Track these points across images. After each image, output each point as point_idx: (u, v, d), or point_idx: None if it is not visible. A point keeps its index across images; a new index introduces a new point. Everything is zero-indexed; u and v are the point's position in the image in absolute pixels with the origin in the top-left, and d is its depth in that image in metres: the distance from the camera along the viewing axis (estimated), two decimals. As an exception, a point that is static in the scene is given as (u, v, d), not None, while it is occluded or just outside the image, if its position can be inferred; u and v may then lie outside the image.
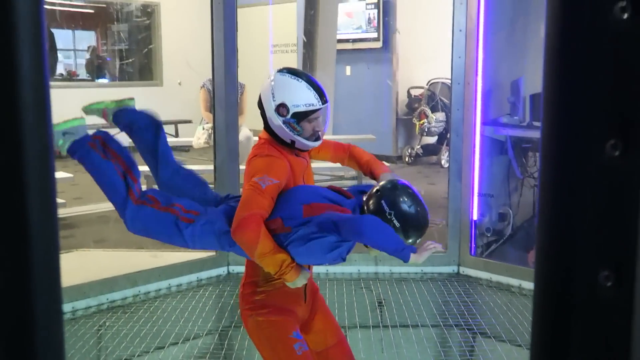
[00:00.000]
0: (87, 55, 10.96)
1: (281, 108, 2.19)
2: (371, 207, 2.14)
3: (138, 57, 10.98)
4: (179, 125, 10.18)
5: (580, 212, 0.64)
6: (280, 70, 2.27)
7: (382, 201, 2.12)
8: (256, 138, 7.97)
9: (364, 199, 2.20)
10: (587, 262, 0.63)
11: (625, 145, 0.60)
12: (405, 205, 2.12)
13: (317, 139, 2.27)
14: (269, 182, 2.09)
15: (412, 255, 2.07)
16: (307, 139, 2.23)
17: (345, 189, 2.35)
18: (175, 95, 10.33)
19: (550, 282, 0.67)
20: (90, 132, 2.32)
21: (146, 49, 10.85)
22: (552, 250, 0.67)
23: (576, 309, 0.64)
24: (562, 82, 0.65)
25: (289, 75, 2.23)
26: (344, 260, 2.19)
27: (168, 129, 10.08)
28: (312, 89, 2.19)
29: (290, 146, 2.24)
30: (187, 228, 2.18)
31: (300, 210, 2.13)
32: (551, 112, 0.66)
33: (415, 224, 2.14)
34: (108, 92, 10.92)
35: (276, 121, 2.21)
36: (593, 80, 0.62)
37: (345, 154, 2.52)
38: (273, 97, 2.21)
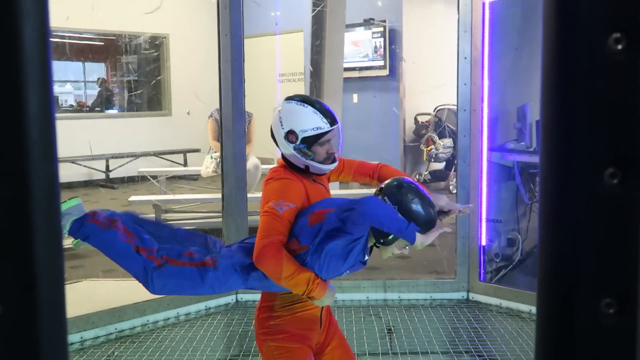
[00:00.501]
0: (97, 87, 11.08)
1: (290, 135, 2.20)
2: None
3: (147, 88, 11.10)
4: (188, 154, 10.25)
5: (581, 241, 0.64)
6: (287, 99, 2.28)
7: (386, 197, 2.12)
8: (264, 166, 7.99)
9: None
10: (589, 291, 0.64)
11: (624, 174, 0.61)
12: (410, 201, 2.11)
13: (333, 161, 2.27)
14: (286, 206, 2.11)
15: (418, 236, 2.07)
16: (321, 162, 2.23)
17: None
18: (184, 125, 10.42)
19: (553, 311, 0.68)
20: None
21: (155, 80, 10.96)
22: (554, 279, 0.68)
23: (579, 337, 0.64)
24: (559, 113, 0.65)
25: (295, 102, 2.24)
26: (364, 264, 2.17)
27: (177, 157, 10.15)
28: (318, 112, 2.20)
29: (305, 172, 2.24)
30: (209, 273, 2.13)
31: (306, 221, 2.13)
32: (549, 142, 0.67)
33: (421, 219, 2.12)
34: (118, 123, 11.01)
35: (287, 149, 2.22)
36: (590, 111, 0.63)
37: (373, 174, 2.46)
38: (281, 125, 2.23)
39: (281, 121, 2.23)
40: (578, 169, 0.64)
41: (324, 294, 2.09)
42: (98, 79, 11.12)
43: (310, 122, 2.19)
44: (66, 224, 2.16)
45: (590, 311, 0.63)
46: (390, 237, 2.11)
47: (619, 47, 0.61)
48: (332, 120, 2.22)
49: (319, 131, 2.19)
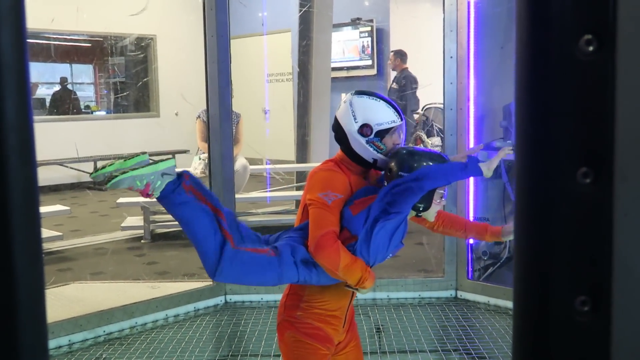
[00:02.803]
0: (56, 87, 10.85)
1: (365, 128, 2.24)
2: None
3: (134, 90, 11.07)
4: (177, 156, 10.22)
5: (555, 240, 0.65)
6: (356, 93, 2.32)
7: (400, 172, 2.16)
8: (253, 167, 7.97)
9: (385, 182, 2.23)
10: (564, 289, 0.65)
11: (597, 173, 0.62)
12: (419, 162, 2.16)
13: None
14: (334, 197, 2.15)
15: (482, 165, 2.12)
16: (387, 155, 2.27)
17: None
18: (172, 127, 10.39)
19: (528, 309, 0.69)
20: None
21: (142, 82, 10.93)
22: (529, 277, 0.69)
23: (554, 334, 0.65)
24: (531, 114, 0.67)
25: (367, 97, 2.29)
26: (403, 244, 2.24)
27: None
28: (391, 106, 2.27)
29: (372, 166, 2.28)
30: (274, 263, 2.10)
31: (349, 212, 2.17)
32: (523, 143, 0.68)
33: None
34: (105, 124, 10.93)
35: (359, 142, 2.25)
36: (562, 111, 0.64)
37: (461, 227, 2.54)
38: (355, 119, 2.26)
39: (354, 115, 2.26)
40: (551, 168, 0.65)
41: (373, 282, 2.17)
42: (60, 78, 10.93)
43: (385, 116, 2.25)
44: (162, 184, 2.05)
45: (565, 309, 0.64)
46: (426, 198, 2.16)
47: (590, 48, 0.62)
48: (400, 115, 2.29)
49: (393, 124, 2.25)
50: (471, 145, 4.68)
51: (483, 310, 4.58)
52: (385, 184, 2.23)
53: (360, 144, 2.25)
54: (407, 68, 8.67)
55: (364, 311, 4.53)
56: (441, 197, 2.21)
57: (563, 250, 0.65)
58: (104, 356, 3.92)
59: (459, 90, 4.66)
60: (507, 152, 2.24)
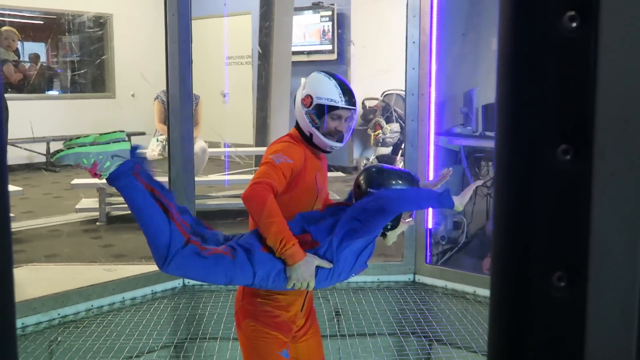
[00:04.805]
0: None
1: (306, 98, 2.30)
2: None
3: (90, 69, 10.82)
4: (133, 138, 10.05)
5: (534, 216, 0.65)
6: (319, 71, 2.38)
7: (369, 190, 2.17)
8: (212, 150, 7.88)
9: (353, 200, 2.25)
10: (541, 264, 0.65)
11: (576, 150, 0.62)
12: (388, 180, 2.18)
13: (338, 140, 2.31)
14: (283, 159, 2.16)
15: (455, 199, 2.14)
16: (325, 136, 2.28)
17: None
18: (129, 108, 10.21)
19: (506, 285, 0.69)
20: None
21: (99, 60, 10.69)
22: (507, 252, 0.69)
23: (531, 309, 0.65)
24: (513, 90, 0.66)
25: (323, 73, 2.35)
26: (367, 266, 2.23)
27: (121, 141, 9.94)
28: (339, 88, 2.29)
29: (309, 140, 2.30)
30: (227, 262, 2.04)
31: (316, 213, 2.20)
32: (504, 119, 0.68)
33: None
34: (59, 104, 10.65)
35: (300, 111, 2.31)
36: (543, 88, 0.64)
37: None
38: (303, 89, 2.34)
39: (304, 86, 2.35)
40: (531, 145, 0.65)
41: (299, 259, 2.05)
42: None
43: (327, 92, 2.28)
44: (111, 166, 1.99)
45: (542, 284, 0.65)
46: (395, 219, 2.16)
47: (573, 25, 0.62)
48: (350, 101, 2.30)
49: (332, 103, 2.27)
50: (432, 130, 4.71)
51: (441, 294, 4.64)
52: (354, 200, 2.23)
53: (300, 114, 2.32)
54: None
55: (323, 295, 4.55)
56: (410, 216, 2.21)
57: (541, 227, 0.65)
58: (59, 339, 3.85)
59: (421, 75, 4.68)
60: (477, 185, 2.31)
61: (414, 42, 4.68)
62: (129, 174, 2.01)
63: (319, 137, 2.28)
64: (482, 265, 4.75)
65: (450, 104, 4.93)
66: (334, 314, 4.29)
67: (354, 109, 2.32)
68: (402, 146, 7.80)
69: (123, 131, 2.09)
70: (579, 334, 0.63)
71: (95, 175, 2.01)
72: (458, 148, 4.90)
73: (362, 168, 9.60)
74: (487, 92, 4.83)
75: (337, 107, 2.28)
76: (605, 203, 0.63)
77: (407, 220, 2.22)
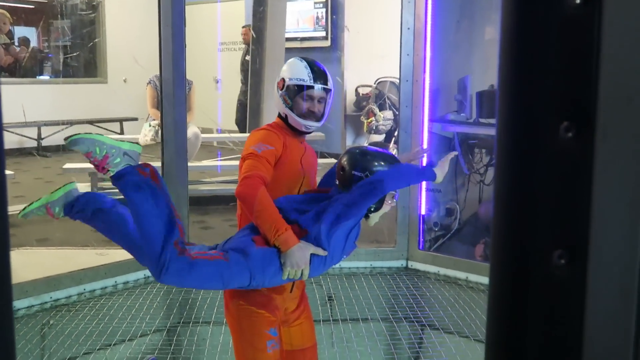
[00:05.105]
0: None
1: (280, 82, 2.36)
2: (347, 182, 2.18)
3: (82, 54, 10.73)
4: (125, 123, 10.00)
5: (535, 193, 0.65)
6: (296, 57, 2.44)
7: (353, 172, 2.17)
8: (205, 135, 7.84)
9: (336, 182, 2.25)
10: (542, 242, 0.65)
11: (579, 127, 0.62)
12: (371, 162, 2.19)
13: (315, 120, 2.32)
14: (264, 147, 2.20)
15: (436, 171, 2.21)
16: (299, 116, 2.31)
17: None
18: (121, 93, 10.14)
19: (506, 263, 0.69)
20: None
21: (90, 44, 10.61)
22: (508, 231, 0.69)
23: (532, 286, 0.66)
24: (516, 68, 0.66)
25: (298, 58, 2.42)
26: (356, 246, 2.26)
27: (113, 126, 9.89)
28: (308, 68, 2.33)
29: (286, 122, 2.34)
30: (222, 266, 2.01)
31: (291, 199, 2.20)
32: (506, 97, 0.68)
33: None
34: (51, 89, 10.57)
35: (276, 95, 2.38)
36: (546, 65, 0.64)
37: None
38: (280, 73, 2.39)
39: (281, 71, 2.40)
40: (534, 122, 0.65)
41: (293, 244, 2.05)
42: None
43: (297, 73, 2.33)
44: (122, 163, 2.01)
45: (543, 262, 0.65)
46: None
47: (577, 1, 0.62)
48: (322, 81, 2.33)
49: (300, 82, 2.31)
50: (426, 117, 4.71)
51: (433, 279, 4.66)
52: (337, 182, 2.23)
53: (276, 97, 2.38)
54: None
55: (316, 280, 4.56)
56: (392, 197, 2.22)
57: (543, 205, 0.65)
58: (51, 322, 3.85)
59: (415, 62, 4.67)
60: (453, 155, 2.35)
61: (408, 29, 4.67)
62: (135, 173, 2.02)
63: (294, 117, 2.32)
64: (474, 251, 4.77)
65: (444, 91, 4.92)
66: (326, 299, 4.30)
67: (327, 89, 2.35)
68: (395, 133, 7.80)
69: (139, 144, 2.14)
70: (578, 311, 0.64)
71: (102, 169, 2.01)
72: (452, 135, 4.90)
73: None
74: (481, 79, 4.83)
75: (307, 87, 2.32)
76: (606, 181, 0.63)
77: (389, 202, 2.23)
